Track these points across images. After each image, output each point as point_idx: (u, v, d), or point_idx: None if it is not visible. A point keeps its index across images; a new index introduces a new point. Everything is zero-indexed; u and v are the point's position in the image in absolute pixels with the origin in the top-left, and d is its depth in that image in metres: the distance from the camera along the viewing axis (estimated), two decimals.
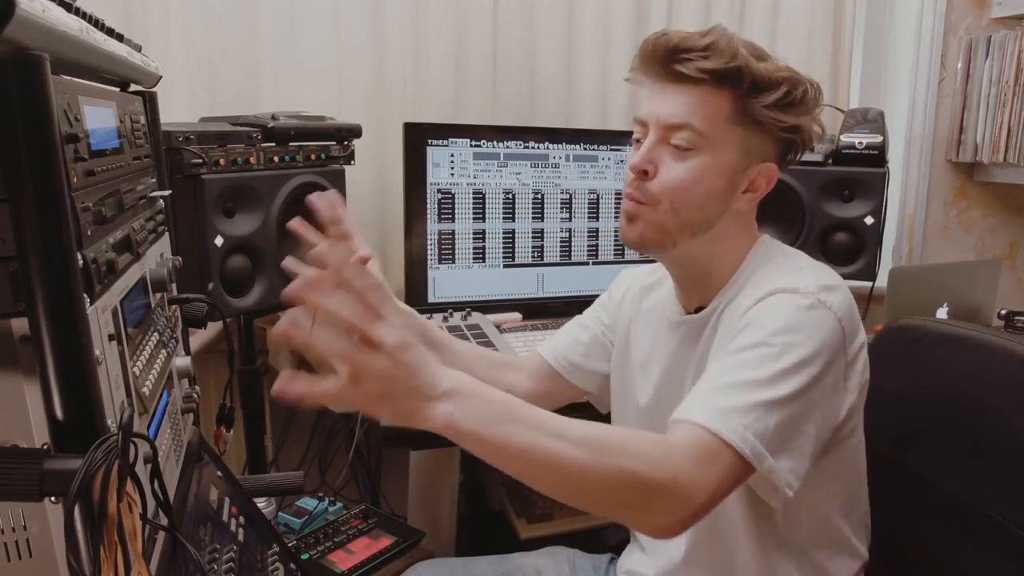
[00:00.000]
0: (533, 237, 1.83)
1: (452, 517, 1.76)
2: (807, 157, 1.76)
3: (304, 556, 1.40)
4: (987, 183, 2.37)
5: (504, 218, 1.79)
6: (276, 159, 1.43)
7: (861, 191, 1.77)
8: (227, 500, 0.96)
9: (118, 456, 0.55)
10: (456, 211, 1.75)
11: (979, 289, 1.87)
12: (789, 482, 0.81)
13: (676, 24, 2.01)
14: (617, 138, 1.86)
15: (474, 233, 1.77)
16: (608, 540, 1.64)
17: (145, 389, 0.71)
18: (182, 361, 0.89)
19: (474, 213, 1.76)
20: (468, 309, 1.70)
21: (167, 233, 0.97)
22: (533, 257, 1.83)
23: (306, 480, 1.14)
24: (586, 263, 1.88)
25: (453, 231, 1.75)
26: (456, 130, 1.73)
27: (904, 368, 1.16)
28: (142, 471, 0.62)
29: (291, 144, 1.45)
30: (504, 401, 0.73)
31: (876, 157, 1.76)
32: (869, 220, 1.76)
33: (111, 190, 0.69)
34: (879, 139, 1.77)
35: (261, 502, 1.37)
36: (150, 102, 0.95)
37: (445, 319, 1.66)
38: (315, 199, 0.89)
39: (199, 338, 1.60)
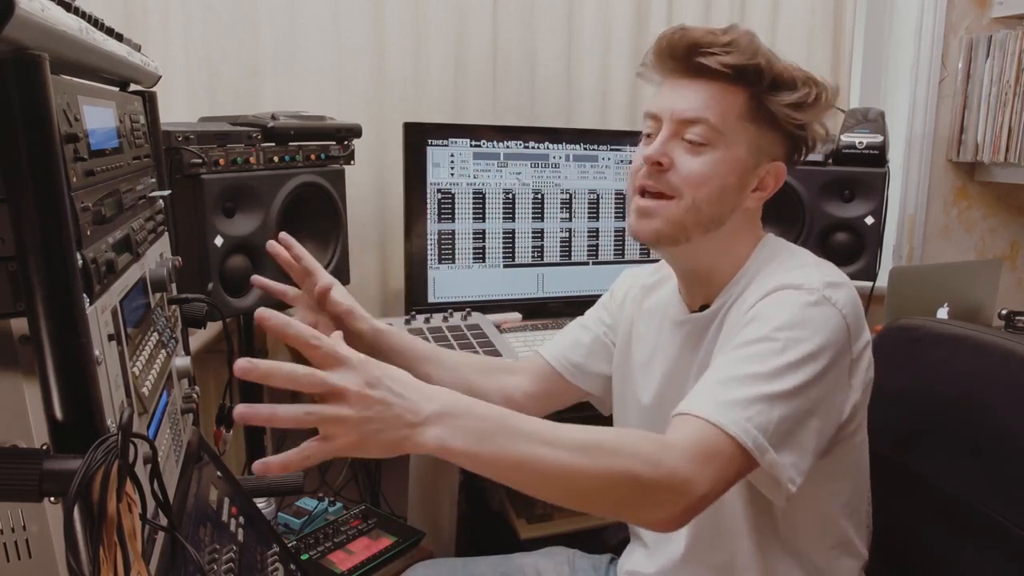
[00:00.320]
0: (533, 237, 1.83)
1: (452, 517, 1.76)
2: (808, 157, 1.77)
3: (304, 556, 1.40)
4: (988, 183, 2.37)
5: (504, 218, 1.79)
6: (276, 159, 1.43)
7: (861, 191, 1.77)
8: (227, 500, 0.96)
9: (118, 456, 0.55)
10: (456, 211, 1.75)
11: (979, 289, 1.87)
12: (791, 477, 0.81)
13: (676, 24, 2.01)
14: (617, 138, 1.86)
15: (474, 233, 1.77)
16: (608, 540, 1.64)
17: (145, 389, 0.71)
18: (182, 361, 0.89)
19: (474, 213, 1.76)
20: (468, 309, 1.70)
21: (167, 233, 0.97)
22: (533, 257, 1.83)
23: (306, 480, 1.14)
24: (586, 263, 1.88)
25: (453, 231, 1.75)
26: (456, 130, 1.73)
27: (904, 368, 1.16)
28: (142, 471, 0.62)
29: (291, 144, 1.45)
30: (494, 415, 0.72)
31: (876, 157, 1.76)
32: (869, 220, 1.76)
33: (111, 190, 0.69)
34: (879, 139, 1.77)
35: (261, 502, 1.38)
36: (150, 102, 0.95)
37: (445, 319, 1.66)
38: (272, 247, 0.99)
39: (199, 338, 1.60)
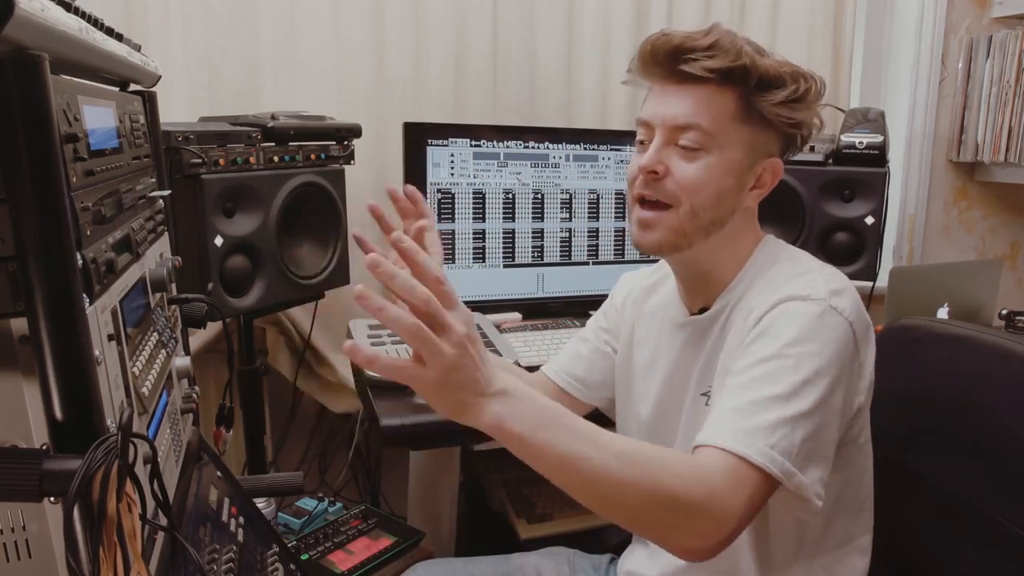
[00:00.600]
0: (533, 237, 1.82)
1: (452, 517, 1.76)
2: (807, 157, 1.77)
3: (304, 556, 1.40)
4: (988, 183, 2.37)
5: (504, 218, 1.79)
6: (276, 159, 1.43)
7: (861, 191, 1.76)
8: (227, 500, 0.96)
9: (117, 456, 0.55)
10: (456, 211, 1.75)
11: (980, 289, 1.87)
12: (818, 492, 0.81)
13: (676, 25, 2.01)
14: (617, 138, 1.86)
15: (474, 233, 1.77)
16: (608, 540, 1.64)
17: (145, 389, 0.71)
18: (182, 361, 0.89)
19: (474, 213, 1.76)
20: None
21: (167, 233, 0.97)
22: (533, 257, 1.83)
23: (306, 480, 1.14)
24: (586, 263, 1.88)
25: (453, 231, 1.75)
26: (456, 130, 1.73)
27: (904, 368, 1.16)
28: (142, 471, 0.62)
29: (291, 144, 1.45)
30: (551, 407, 0.74)
31: (877, 157, 1.76)
32: (869, 220, 1.76)
33: (111, 190, 0.69)
34: (880, 139, 1.76)
35: (261, 502, 1.37)
36: (150, 102, 0.95)
37: None
38: (393, 191, 1.04)
39: (199, 338, 1.60)
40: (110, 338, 0.62)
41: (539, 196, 1.81)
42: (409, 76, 1.83)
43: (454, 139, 1.72)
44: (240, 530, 0.94)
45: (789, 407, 0.81)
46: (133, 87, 0.92)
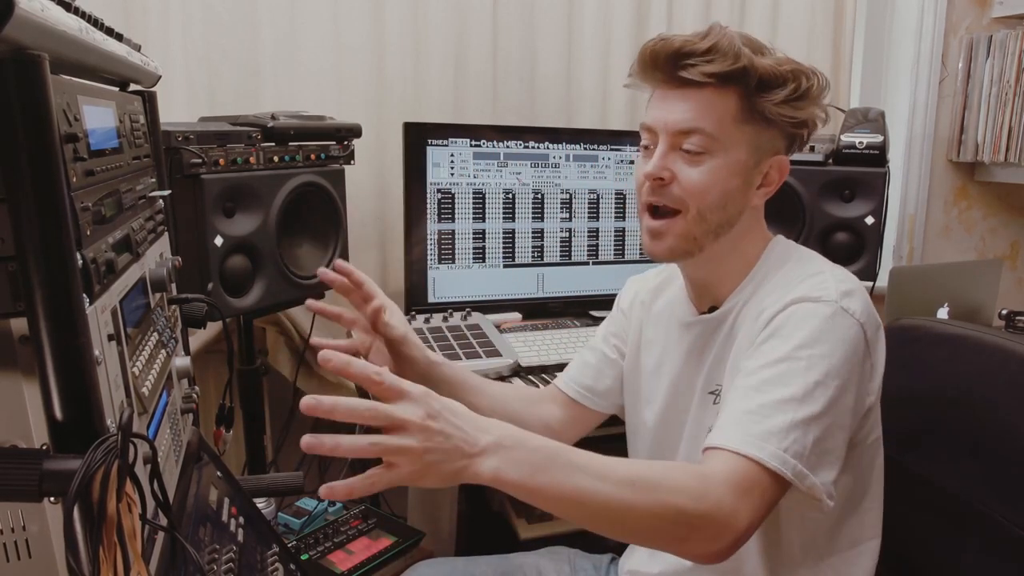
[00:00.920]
0: (533, 237, 1.83)
1: (452, 517, 1.76)
2: (807, 157, 1.77)
3: (304, 556, 1.40)
4: (988, 183, 2.37)
5: (504, 218, 1.79)
6: (276, 159, 1.43)
7: (862, 191, 1.76)
8: (227, 500, 0.96)
9: (117, 456, 0.55)
10: (456, 211, 1.75)
11: (980, 289, 1.87)
12: (830, 492, 0.82)
13: (676, 25, 2.01)
14: (617, 138, 1.86)
15: (474, 233, 1.77)
16: (608, 540, 1.64)
17: (145, 389, 0.71)
18: (182, 361, 0.89)
19: (474, 213, 1.76)
20: (468, 309, 1.70)
21: (167, 233, 0.97)
22: (533, 257, 1.83)
23: (306, 480, 1.14)
24: (586, 263, 1.88)
25: (453, 231, 1.75)
26: (456, 130, 1.73)
27: (904, 368, 1.16)
28: (141, 471, 0.62)
29: (291, 144, 1.45)
30: (545, 447, 0.74)
31: (877, 157, 1.76)
32: (870, 220, 1.76)
33: (111, 190, 0.69)
34: (880, 139, 1.76)
35: (261, 502, 1.37)
36: (149, 102, 0.95)
37: (445, 319, 1.66)
38: (325, 274, 1.03)
39: (199, 338, 1.60)
40: (110, 338, 0.62)
41: (539, 196, 1.81)
42: (409, 76, 1.83)
43: (454, 139, 1.72)
44: (240, 530, 0.94)
45: (801, 410, 0.81)
46: (133, 87, 0.92)
